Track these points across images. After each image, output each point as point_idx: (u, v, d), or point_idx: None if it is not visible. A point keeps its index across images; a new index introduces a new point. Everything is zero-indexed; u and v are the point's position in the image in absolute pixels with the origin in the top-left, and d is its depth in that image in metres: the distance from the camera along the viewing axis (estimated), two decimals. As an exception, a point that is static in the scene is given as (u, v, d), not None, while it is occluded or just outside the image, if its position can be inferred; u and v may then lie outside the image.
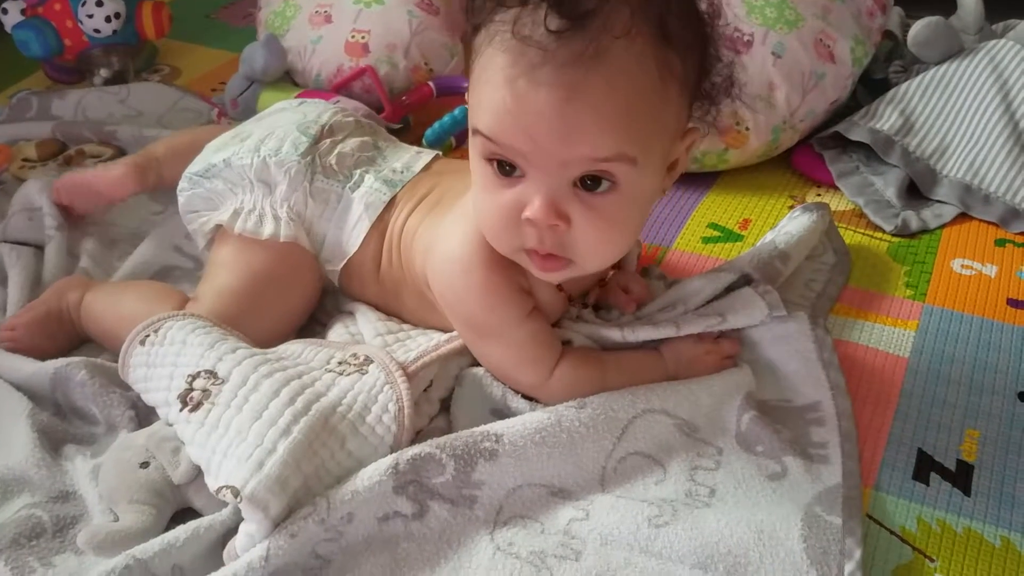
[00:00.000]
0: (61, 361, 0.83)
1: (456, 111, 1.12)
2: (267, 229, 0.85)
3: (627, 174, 0.67)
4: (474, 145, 0.70)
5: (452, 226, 0.78)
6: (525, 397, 0.78)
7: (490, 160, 0.69)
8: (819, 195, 1.11)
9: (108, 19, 1.25)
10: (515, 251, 0.72)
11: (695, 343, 0.82)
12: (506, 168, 0.68)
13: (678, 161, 0.75)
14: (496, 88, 0.64)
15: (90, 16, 1.25)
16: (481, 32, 0.67)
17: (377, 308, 0.88)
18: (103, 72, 1.29)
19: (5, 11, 1.27)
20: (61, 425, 0.81)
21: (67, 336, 0.89)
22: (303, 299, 0.89)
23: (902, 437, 0.80)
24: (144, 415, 0.80)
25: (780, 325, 0.85)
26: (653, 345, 0.83)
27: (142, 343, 0.79)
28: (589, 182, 0.67)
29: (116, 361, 0.81)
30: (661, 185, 0.74)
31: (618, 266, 0.89)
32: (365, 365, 0.77)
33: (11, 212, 1.04)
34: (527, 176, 0.67)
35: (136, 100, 1.25)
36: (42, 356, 0.85)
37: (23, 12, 1.27)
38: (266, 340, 0.82)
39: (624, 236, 0.72)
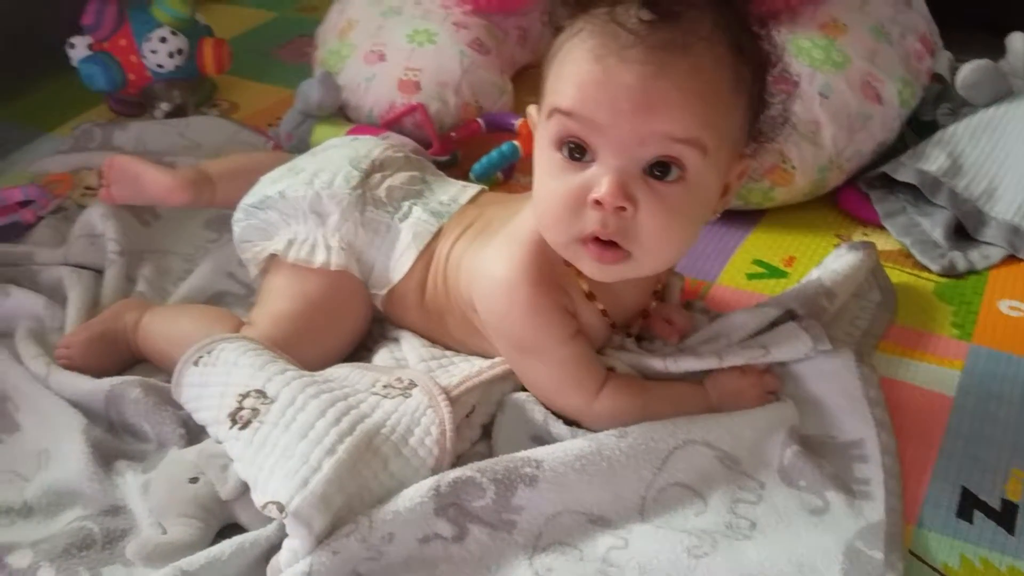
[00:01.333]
0: (117, 379, 0.86)
1: (504, 146, 1.14)
2: (319, 258, 0.88)
3: (697, 165, 0.70)
4: (545, 131, 0.73)
5: (499, 248, 0.80)
6: (566, 423, 0.79)
7: (560, 146, 0.71)
8: (865, 234, 1.11)
9: (171, 55, 1.28)
10: (571, 241, 0.73)
11: (739, 376, 0.82)
12: (576, 154, 0.71)
13: (730, 186, 0.77)
14: (584, 65, 0.69)
15: (154, 52, 1.28)
16: (563, 32, 0.72)
17: (420, 334, 0.89)
18: (164, 106, 1.33)
19: (72, 46, 1.31)
20: (113, 442, 0.83)
21: (120, 356, 0.91)
22: (353, 326, 0.91)
23: (946, 475, 0.79)
24: (194, 434, 0.82)
25: (825, 361, 0.85)
26: (696, 377, 0.83)
27: (195, 363, 0.81)
28: (658, 172, 0.70)
29: (170, 381, 0.83)
30: (714, 204, 0.76)
31: (661, 297, 0.89)
32: (409, 389, 0.78)
33: (73, 236, 1.07)
34: (598, 159, 0.70)
35: (195, 132, 1.28)
36: (95, 374, 0.87)
37: (90, 47, 1.30)
38: (316, 365, 0.83)
39: (683, 235, 0.74)
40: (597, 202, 0.69)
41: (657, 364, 0.82)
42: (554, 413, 0.79)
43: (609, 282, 0.78)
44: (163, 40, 1.28)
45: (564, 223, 0.72)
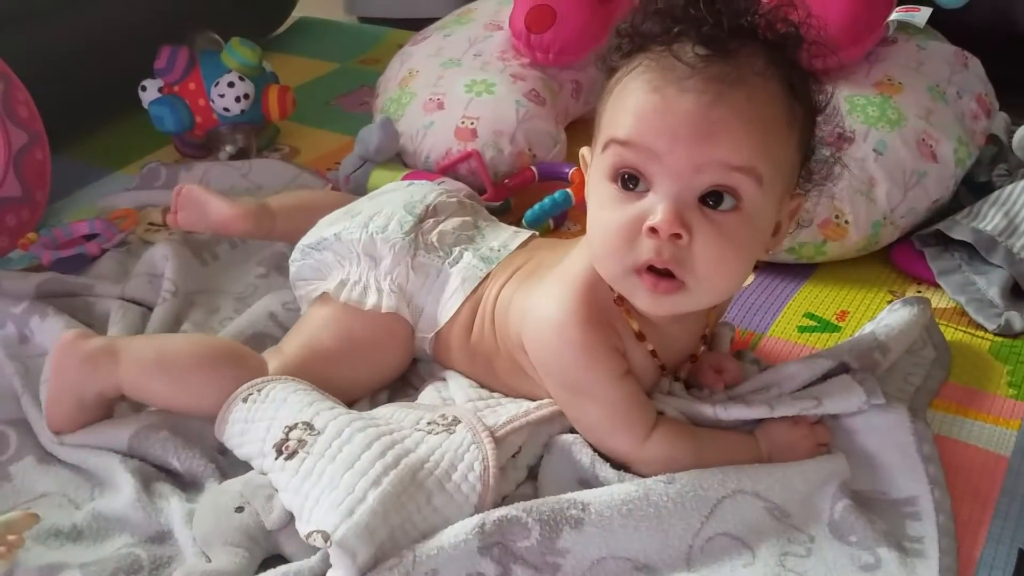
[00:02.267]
0: (142, 424, 0.86)
1: (556, 194, 1.16)
2: (370, 300, 0.89)
3: (752, 194, 0.70)
4: (599, 164, 0.74)
5: (549, 288, 0.81)
6: (614, 467, 0.78)
7: (615, 178, 0.72)
8: (919, 292, 1.10)
9: (238, 99, 1.32)
10: (626, 272, 0.73)
11: (790, 427, 0.81)
12: (630, 184, 0.72)
13: (781, 226, 0.77)
14: (642, 95, 0.70)
15: (222, 96, 1.32)
16: (619, 71, 0.74)
17: (467, 376, 0.90)
18: (228, 148, 1.36)
19: (144, 88, 1.36)
20: (152, 469, 0.84)
21: (107, 409, 0.89)
22: (388, 369, 0.92)
23: (1001, 536, 0.77)
24: (224, 468, 0.83)
25: (879, 416, 0.83)
26: (746, 427, 0.82)
27: (244, 400, 0.83)
28: (711, 202, 0.70)
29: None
30: (767, 241, 0.76)
31: (710, 346, 0.89)
32: (453, 425, 0.78)
33: (135, 273, 1.10)
34: (653, 189, 0.71)
35: (257, 175, 1.31)
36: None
37: (160, 90, 1.35)
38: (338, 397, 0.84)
39: (737, 265, 0.74)
40: (652, 230, 0.70)
41: (707, 411, 0.81)
42: (602, 457, 0.79)
43: (663, 315, 0.78)
44: (231, 85, 1.32)
45: (619, 253, 0.73)
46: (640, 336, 0.80)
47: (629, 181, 0.72)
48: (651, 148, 0.70)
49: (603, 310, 0.78)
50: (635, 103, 0.71)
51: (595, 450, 0.79)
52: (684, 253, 0.71)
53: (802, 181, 0.77)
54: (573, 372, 0.78)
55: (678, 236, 0.70)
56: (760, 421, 0.82)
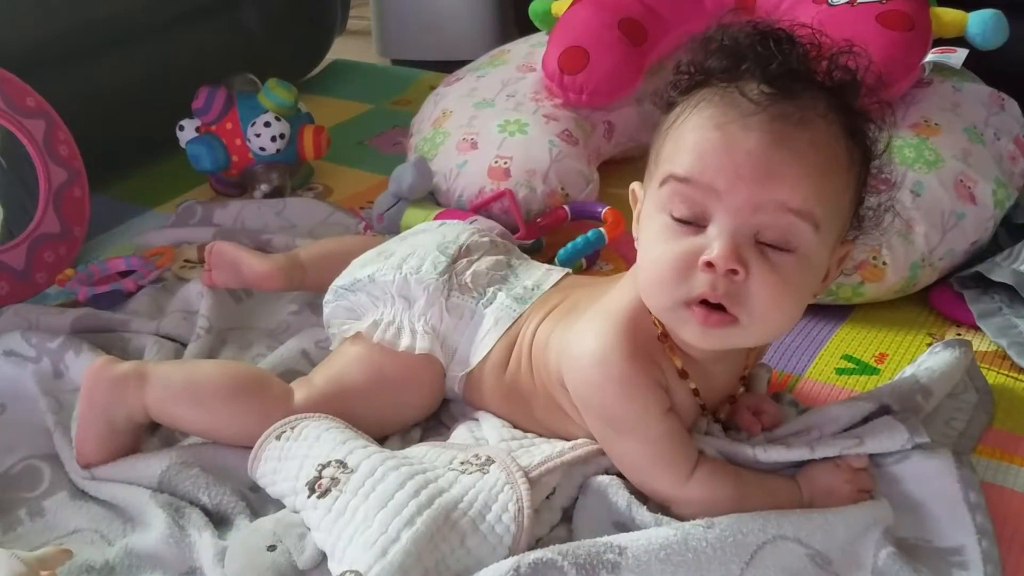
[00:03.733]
0: (174, 460, 0.85)
1: (589, 233, 1.16)
2: (404, 342, 0.89)
3: (807, 239, 0.70)
4: (656, 197, 0.74)
5: (590, 323, 0.80)
6: (650, 510, 0.77)
7: (671, 213, 0.72)
8: (959, 334, 1.08)
9: (274, 139, 1.34)
10: (677, 304, 0.73)
11: (832, 471, 0.80)
12: (687, 219, 0.71)
13: (830, 272, 0.77)
14: (704, 132, 0.71)
15: (258, 135, 1.34)
16: (678, 106, 0.74)
17: (499, 416, 0.89)
18: (263, 187, 1.37)
19: (181, 128, 1.38)
20: (182, 503, 0.83)
21: (137, 436, 0.89)
22: (415, 408, 0.92)
23: (1053, 587, 0.75)
24: (255, 506, 0.83)
25: (923, 462, 0.81)
26: (787, 471, 0.81)
27: (277, 438, 0.83)
28: (768, 240, 0.70)
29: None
30: (818, 284, 0.76)
31: (747, 388, 0.88)
32: (487, 465, 0.78)
33: (170, 310, 1.11)
34: (710, 224, 0.71)
35: (291, 213, 1.32)
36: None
37: (197, 130, 1.37)
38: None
39: (791, 305, 0.73)
40: (708, 264, 0.70)
41: (746, 452, 0.80)
42: (638, 499, 0.78)
43: (710, 349, 0.77)
44: (267, 125, 1.34)
45: (671, 285, 0.72)
46: (683, 374, 0.79)
47: (687, 216, 0.72)
48: (711, 186, 0.70)
49: (646, 345, 0.78)
50: (696, 140, 0.71)
51: (632, 492, 0.78)
52: (739, 289, 0.70)
53: (851, 228, 0.77)
54: (615, 406, 0.77)
55: (734, 272, 0.70)
56: (800, 466, 0.81)
